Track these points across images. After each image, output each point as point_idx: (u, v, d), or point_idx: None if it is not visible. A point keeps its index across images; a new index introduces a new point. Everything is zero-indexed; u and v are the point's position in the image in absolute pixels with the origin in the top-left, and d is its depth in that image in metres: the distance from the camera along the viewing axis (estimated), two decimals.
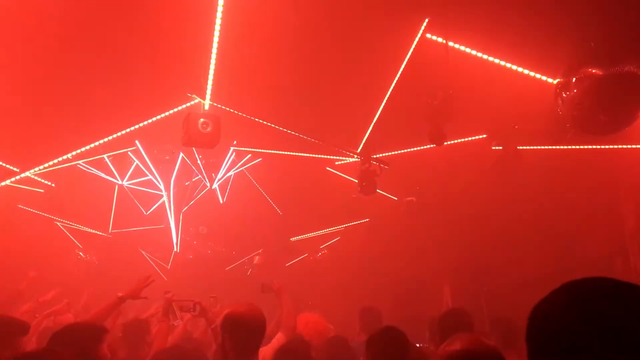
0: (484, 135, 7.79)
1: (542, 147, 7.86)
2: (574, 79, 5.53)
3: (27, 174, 8.71)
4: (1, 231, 9.88)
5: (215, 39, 5.64)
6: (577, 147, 7.43)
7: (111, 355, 3.36)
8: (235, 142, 9.19)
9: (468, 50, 6.02)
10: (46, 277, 9.21)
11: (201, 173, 9.97)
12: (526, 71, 6.17)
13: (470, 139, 7.84)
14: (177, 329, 6.09)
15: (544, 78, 6.18)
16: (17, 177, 8.76)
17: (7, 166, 8.59)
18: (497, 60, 6.09)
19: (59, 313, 6.75)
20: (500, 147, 7.73)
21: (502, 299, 8.35)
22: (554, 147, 7.76)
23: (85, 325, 3.70)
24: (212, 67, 6.02)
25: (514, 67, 6.14)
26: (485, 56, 6.05)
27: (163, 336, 4.89)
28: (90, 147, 8.24)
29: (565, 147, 7.48)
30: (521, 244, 8.98)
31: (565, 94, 5.69)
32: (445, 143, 6.74)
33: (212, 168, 10.05)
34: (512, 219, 8.91)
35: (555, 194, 8.20)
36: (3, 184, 8.82)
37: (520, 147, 7.63)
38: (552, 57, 5.81)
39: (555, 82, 5.93)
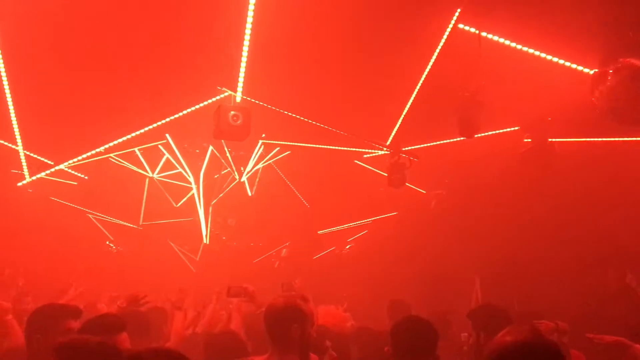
0: (517, 128, 7.66)
1: (577, 140, 7.69)
2: (612, 69, 5.38)
3: (61, 166, 8.87)
4: (35, 223, 10.10)
5: (247, 32, 5.64)
6: (614, 139, 7.26)
7: None
8: (263, 135, 9.21)
9: (501, 40, 5.91)
10: (81, 268, 9.38)
11: (230, 166, 10.02)
12: (561, 61, 6.03)
13: (502, 131, 7.72)
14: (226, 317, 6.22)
15: (579, 68, 6.03)
16: (51, 170, 8.92)
17: (42, 159, 8.76)
18: (531, 50, 5.96)
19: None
20: (533, 140, 7.59)
21: (533, 293, 8.23)
22: (589, 139, 7.59)
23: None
24: (243, 59, 6.03)
25: (549, 57, 6.00)
26: (518, 46, 5.93)
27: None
28: (122, 141, 8.36)
29: (601, 139, 7.32)
30: (553, 238, 8.83)
31: (602, 84, 5.54)
32: (476, 135, 6.64)
33: (241, 161, 10.09)
34: (544, 212, 8.76)
35: (589, 187, 8.03)
36: (37, 176, 9.00)
37: (554, 140, 7.48)
38: (588, 46, 5.66)
39: (591, 72, 5.78)
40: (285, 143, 9.54)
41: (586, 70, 5.99)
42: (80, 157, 8.61)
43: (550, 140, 7.45)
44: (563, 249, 8.59)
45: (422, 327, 3.48)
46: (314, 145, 9.16)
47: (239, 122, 6.50)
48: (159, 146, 9.36)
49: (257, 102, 6.96)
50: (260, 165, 10.22)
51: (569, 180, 8.11)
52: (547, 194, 8.42)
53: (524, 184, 8.34)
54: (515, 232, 9.17)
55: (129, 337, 3.33)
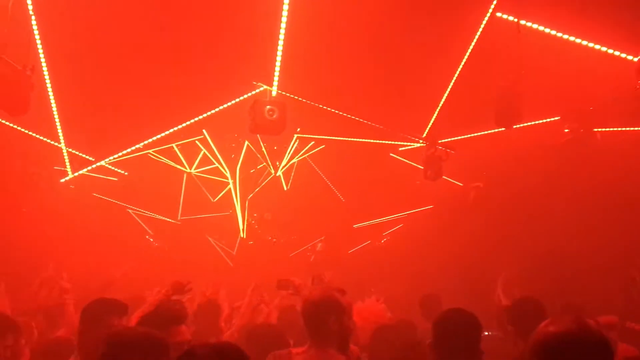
0: (557, 118, 7.49)
1: (620, 129, 7.47)
2: None
3: (102, 163, 9.08)
4: (78, 219, 10.35)
5: (282, 27, 5.66)
6: None
7: None
8: (298, 129, 9.24)
9: (541, 28, 5.77)
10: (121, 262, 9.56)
11: (266, 160, 10.09)
12: (604, 48, 5.85)
13: (542, 121, 7.55)
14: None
15: (623, 55, 5.85)
16: (93, 166, 9.14)
17: (83, 155, 8.98)
18: (572, 38, 5.81)
19: None
20: (574, 130, 7.41)
21: (576, 286, 8.05)
22: (632, 129, 7.37)
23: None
24: (279, 54, 6.05)
25: (591, 45, 5.83)
26: (559, 34, 5.79)
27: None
28: (160, 137, 8.50)
29: None
30: (596, 230, 8.61)
31: None
32: (516, 126, 6.51)
33: (276, 155, 10.15)
34: (586, 203, 8.54)
35: (634, 178, 7.79)
36: (79, 172, 9.24)
37: (597, 130, 7.28)
38: (632, 32, 5.49)
39: (636, 59, 5.60)
40: (320, 137, 9.55)
41: (630, 57, 5.80)
42: (120, 154, 8.79)
43: (592, 130, 7.25)
44: (607, 241, 8.36)
45: (466, 320, 3.35)
46: (349, 139, 9.15)
47: (274, 116, 6.54)
48: (196, 142, 9.49)
49: (292, 96, 6.98)
50: (295, 160, 10.26)
51: (613, 171, 7.88)
52: (590, 185, 8.21)
53: (566, 175, 8.15)
54: (557, 224, 8.98)
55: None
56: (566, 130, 7.50)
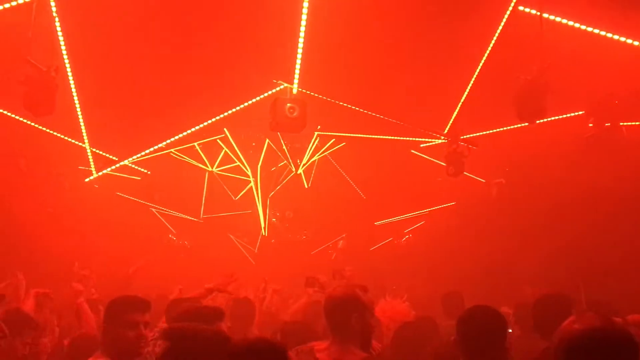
0: (581, 112, 7.36)
1: None
2: None
3: (125, 162, 9.18)
4: (102, 218, 10.49)
5: (302, 25, 5.67)
6: None
7: None
8: (319, 126, 9.24)
9: (564, 21, 5.69)
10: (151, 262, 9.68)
11: (287, 158, 10.12)
12: (629, 41, 5.74)
13: (565, 116, 7.44)
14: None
15: None
16: (116, 166, 9.26)
17: (107, 155, 9.10)
18: (596, 31, 5.71)
19: None
20: (598, 124, 7.28)
21: (604, 286, 7.91)
22: None
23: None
24: (299, 52, 6.06)
25: (616, 37, 5.72)
26: (582, 26, 5.69)
27: None
28: (182, 136, 8.58)
29: None
30: (619, 225, 8.45)
31: None
32: (539, 121, 6.42)
33: (297, 153, 10.17)
34: (609, 200, 8.39)
35: None
36: (103, 172, 9.36)
37: (624, 124, 7.14)
38: None
39: None
40: (341, 134, 9.54)
41: None
42: (143, 153, 8.89)
43: (617, 124, 7.12)
44: (633, 237, 8.21)
45: (491, 317, 3.32)
46: (370, 136, 9.12)
47: (295, 114, 6.54)
48: (218, 140, 9.55)
49: (313, 94, 6.98)
50: (316, 157, 10.27)
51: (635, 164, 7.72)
52: (615, 180, 8.05)
53: (590, 170, 8.01)
54: (582, 220, 8.83)
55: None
56: (590, 125, 7.38)
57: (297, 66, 6.32)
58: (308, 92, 6.90)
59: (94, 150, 8.73)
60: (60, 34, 6.04)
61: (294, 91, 6.70)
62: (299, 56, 6.15)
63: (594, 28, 5.69)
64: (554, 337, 2.26)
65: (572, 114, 7.48)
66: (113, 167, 9.29)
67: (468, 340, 3.23)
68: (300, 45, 6.00)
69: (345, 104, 7.44)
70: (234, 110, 7.76)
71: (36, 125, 7.92)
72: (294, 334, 4.15)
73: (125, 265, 8.69)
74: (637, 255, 7.86)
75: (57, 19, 5.87)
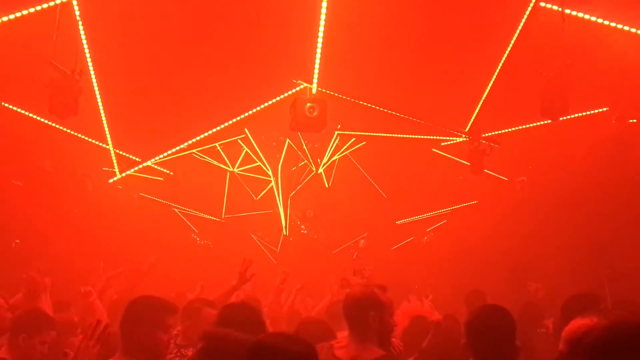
0: (605, 109, 7.26)
1: None
2: None
3: (148, 163, 9.29)
4: (126, 219, 10.63)
5: (321, 25, 5.67)
6: None
7: None
8: (339, 126, 9.24)
9: (586, 17, 5.61)
10: (167, 261, 9.79)
11: (307, 158, 10.14)
12: None
13: (589, 112, 7.33)
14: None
15: None
16: (139, 167, 9.38)
17: (130, 156, 9.22)
18: (620, 26, 5.62)
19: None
20: (622, 121, 7.16)
21: (628, 282, 7.78)
22: None
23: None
24: (318, 52, 6.07)
25: (639, 32, 5.63)
26: (606, 22, 5.61)
27: None
28: (203, 137, 8.65)
29: None
30: None
31: None
32: (562, 118, 6.34)
33: (317, 153, 10.18)
34: (634, 197, 8.24)
35: None
36: (126, 173, 9.49)
37: None
38: None
39: None
40: (361, 133, 9.53)
41: None
42: (165, 154, 8.99)
43: None
44: None
45: (497, 316, 3.24)
46: (391, 135, 9.09)
47: (315, 113, 6.55)
48: (239, 141, 9.61)
49: (332, 93, 6.99)
50: (336, 157, 10.27)
51: None
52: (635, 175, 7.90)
53: (614, 168, 7.88)
54: (606, 218, 8.69)
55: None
56: (614, 122, 7.27)
57: (317, 66, 6.33)
58: (328, 91, 6.91)
59: (117, 151, 8.85)
60: (83, 37, 6.14)
61: (314, 91, 6.71)
62: (318, 56, 6.17)
63: (617, 23, 5.60)
64: (567, 335, 2.19)
65: (595, 111, 7.36)
66: (136, 168, 9.40)
67: (476, 341, 3.18)
68: (320, 44, 6.01)
69: (365, 103, 7.43)
70: (254, 110, 7.80)
71: (61, 127, 8.06)
72: (312, 332, 4.18)
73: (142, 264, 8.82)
74: None
75: (80, 23, 5.97)
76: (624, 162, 7.82)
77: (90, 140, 8.67)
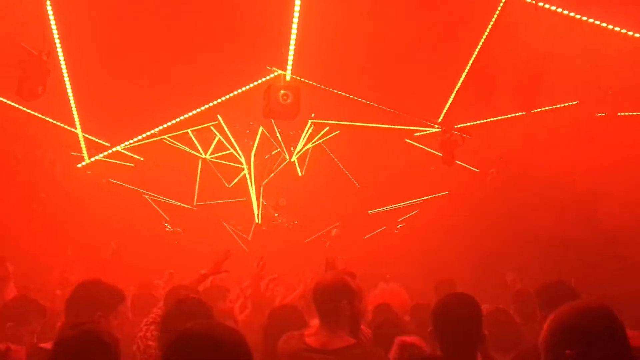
0: (575, 102, 7.37)
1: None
2: None
3: (118, 148, 9.14)
4: (94, 205, 10.45)
5: (296, 11, 5.62)
6: None
7: None
8: (313, 114, 9.21)
9: (559, 10, 5.67)
10: (137, 248, 9.67)
11: (280, 146, 10.10)
12: (624, 31, 5.73)
13: (560, 105, 7.44)
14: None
15: None
16: (109, 152, 9.21)
17: (99, 141, 9.05)
18: (591, 20, 5.70)
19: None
20: (592, 114, 7.29)
21: (594, 276, 7.95)
22: None
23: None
24: (292, 39, 6.01)
25: (610, 27, 5.72)
26: (578, 16, 5.68)
27: None
28: (175, 122, 8.53)
29: None
30: (614, 219, 8.47)
31: None
32: (534, 111, 6.43)
33: (291, 141, 10.14)
34: (605, 191, 8.40)
35: None
36: (95, 158, 9.31)
37: (621, 114, 7.14)
38: None
39: None
40: (335, 122, 9.51)
41: None
42: (136, 139, 8.84)
43: (614, 115, 7.13)
44: (623, 231, 8.23)
45: (463, 305, 3.24)
46: (364, 124, 9.10)
47: (288, 101, 6.50)
48: (211, 127, 9.51)
49: (306, 81, 6.95)
50: (310, 145, 10.24)
51: (635, 157, 7.73)
52: (610, 171, 8.06)
53: (583, 160, 8.01)
54: (574, 212, 8.85)
55: None
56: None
57: (291, 53, 6.28)
58: (302, 79, 6.86)
59: (86, 136, 8.67)
60: (52, 17, 5.97)
61: (288, 78, 6.66)
62: (293, 43, 6.11)
63: (589, 17, 5.67)
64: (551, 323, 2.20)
65: (567, 104, 7.48)
66: (106, 153, 9.23)
67: (442, 329, 3.20)
68: (294, 31, 5.95)
69: (339, 92, 7.41)
70: (227, 97, 7.72)
71: (28, 111, 7.85)
72: (282, 318, 4.17)
73: (118, 253, 8.70)
74: (632, 250, 7.88)
75: (49, 3, 5.81)
76: (593, 155, 7.96)
77: (58, 123, 8.47)
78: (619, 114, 7.12)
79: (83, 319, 3.05)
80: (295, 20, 5.75)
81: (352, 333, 3.42)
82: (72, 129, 8.38)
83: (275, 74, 6.84)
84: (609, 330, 2.09)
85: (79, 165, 9.40)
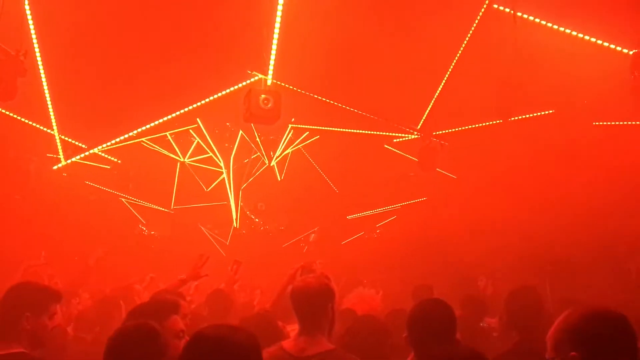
0: (552, 111, 7.50)
1: (617, 123, 7.48)
2: None
3: (95, 150, 9.02)
4: (70, 207, 10.30)
5: (278, 16, 5.63)
6: None
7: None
8: (293, 119, 9.21)
9: (537, 20, 5.77)
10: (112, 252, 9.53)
11: (260, 150, 10.07)
12: (600, 41, 5.86)
13: (538, 114, 7.55)
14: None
15: (618, 49, 5.85)
16: (85, 154, 9.09)
17: (76, 143, 8.92)
18: (568, 31, 5.81)
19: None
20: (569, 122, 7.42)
21: (568, 280, 8.08)
22: (628, 122, 7.39)
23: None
24: (274, 43, 6.02)
25: (587, 38, 5.83)
26: (555, 26, 5.79)
27: None
28: (154, 125, 8.45)
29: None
30: (587, 224, 8.64)
31: None
32: (512, 118, 6.52)
33: (271, 145, 10.13)
34: (578, 196, 8.55)
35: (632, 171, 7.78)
36: (71, 160, 9.18)
37: (596, 123, 7.28)
38: (629, 26, 5.49)
39: (632, 53, 5.60)
40: (315, 127, 9.52)
41: (625, 50, 5.81)
42: (113, 141, 8.74)
43: (588, 123, 7.27)
44: (599, 234, 8.39)
45: (438, 310, 3.27)
46: (344, 130, 9.13)
47: (269, 105, 6.49)
48: (190, 131, 9.45)
49: (287, 85, 6.95)
50: (289, 150, 10.24)
51: (602, 164, 7.88)
52: (585, 177, 8.21)
53: (560, 167, 8.16)
54: (550, 219, 8.99)
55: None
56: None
57: (272, 57, 6.28)
58: (283, 84, 6.87)
59: (62, 137, 8.54)
60: (30, 17, 5.89)
61: (269, 82, 6.66)
62: (274, 47, 6.11)
63: (566, 28, 5.78)
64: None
65: (544, 112, 7.60)
66: (82, 155, 9.10)
67: (417, 335, 3.21)
68: (276, 36, 5.96)
69: (320, 97, 7.43)
70: (207, 100, 7.68)
71: (3, 111, 7.71)
72: (257, 327, 4.14)
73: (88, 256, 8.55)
74: (606, 253, 8.03)
75: (26, 2, 5.73)
76: (569, 162, 8.10)
77: (34, 124, 8.33)
78: (594, 123, 7.25)
79: (11, 320, 3.14)
80: (277, 25, 5.76)
81: (329, 336, 3.41)
82: (49, 131, 8.25)
83: (256, 78, 6.83)
84: (616, 336, 2.08)
85: (55, 167, 9.25)
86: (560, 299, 5.78)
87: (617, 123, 7.49)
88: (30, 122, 8.27)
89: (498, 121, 6.56)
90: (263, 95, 6.48)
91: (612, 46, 5.88)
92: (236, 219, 11.45)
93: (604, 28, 5.76)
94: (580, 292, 6.36)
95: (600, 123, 7.39)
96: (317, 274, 5.26)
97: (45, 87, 7.11)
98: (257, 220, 13.23)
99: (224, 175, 10.63)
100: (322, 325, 3.37)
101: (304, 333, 3.36)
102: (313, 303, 3.39)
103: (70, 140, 8.80)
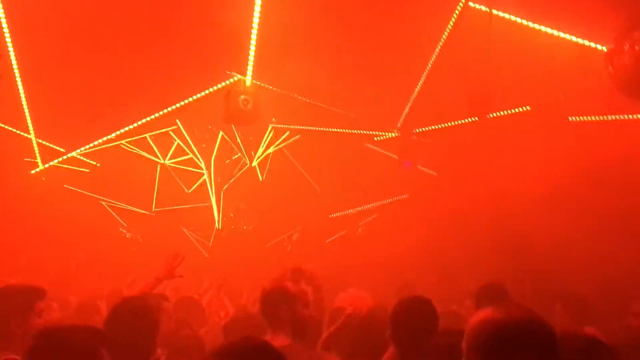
0: (528, 107, 7.58)
1: (593, 119, 7.58)
2: (627, 46, 5.29)
3: (73, 154, 8.93)
4: (49, 211, 10.17)
5: (256, 16, 5.62)
6: (628, 116, 7.16)
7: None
8: (274, 119, 9.21)
9: (513, 18, 5.84)
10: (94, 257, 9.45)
11: (241, 151, 10.05)
12: (574, 38, 5.94)
13: (514, 111, 7.63)
14: None
15: (593, 45, 5.94)
16: (63, 158, 8.99)
17: (54, 146, 8.82)
18: (543, 28, 5.88)
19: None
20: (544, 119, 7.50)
21: (547, 270, 8.16)
22: (602, 117, 7.49)
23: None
24: (252, 44, 6.01)
25: (562, 35, 5.91)
26: (531, 24, 5.86)
27: None
28: (133, 127, 8.39)
29: (615, 117, 7.22)
30: (570, 222, 8.71)
31: (616, 61, 5.45)
32: (489, 116, 6.59)
33: (252, 146, 10.11)
34: (554, 193, 8.65)
35: (608, 167, 7.88)
36: (50, 164, 9.08)
37: (573, 119, 7.37)
38: (603, 23, 5.57)
39: (606, 49, 5.69)
40: (296, 127, 9.53)
41: (600, 47, 5.90)
42: (92, 144, 8.66)
43: (563, 120, 7.36)
44: (570, 224, 8.45)
45: (421, 308, 3.34)
46: (324, 129, 9.15)
47: (249, 106, 6.50)
48: (170, 132, 9.40)
49: (267, 86, 6.95)
50: (270, 150, 10.23)
51: (580, 158, 7.98)
52: (554, 172, 8.30)
53: (539, 166, 8.24)
54: (532, 217, 9.04)
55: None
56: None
57: (251, 58, 6.27)
58: (262, 84, 6.86)
59: (40, 141, 8.43)
60: (4, 20, 5.81)
61: (248, 83, 6.65)
62: (253, 48, 6.11)
63: (542, 25, 5.85)
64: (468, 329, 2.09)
65: (520, 109, 7.68)
66: (60, 159, 9.01)
67: (399, 332, 3.25)
68: (254, 36, 5.95)
69: (299, 97, 7.43)
70: (186, 101, 7.64)
71: None
72: (238, 329, 4.20)
73: (69, 261, 8.47)
74: (589, 251, 8.11)
75: (0, 5, 5.65)
76: (548, 160, 8.19)
77: (10, 128, 8.22)
78: (570, 118, 7.34)
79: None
80: (255, 25, 5.75)
81: (297, 337, 3.55)
82: (26, 134, 8.15)
83: (236, 78, 6.82)
84: (507, 344, 1.92)
85: (33, 172, 9.13)
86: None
87: (592, 118, 7.59)
88: (6, 126, 8.16)
89: (475, 119, 6.61)
90: (242, 96, 6.49)
91: (587, 43, 5.96)
92: (218, 220, 11.41)
93: (579, 25, 5.84)
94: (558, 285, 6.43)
95: (576, 118, 7.49)
96: (306, 276, 5.33)
97: (21, 91, 7.02)
98: (239, 220, 13.19)
99: (205, 176, 10.59)
100: (282, 326, 3.59)
101: (268, 332, 3.60)
102: (267, 306, 3.71)
103: (48, 144, 8.70)
